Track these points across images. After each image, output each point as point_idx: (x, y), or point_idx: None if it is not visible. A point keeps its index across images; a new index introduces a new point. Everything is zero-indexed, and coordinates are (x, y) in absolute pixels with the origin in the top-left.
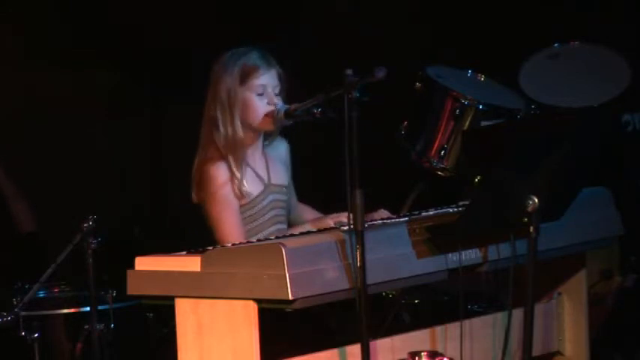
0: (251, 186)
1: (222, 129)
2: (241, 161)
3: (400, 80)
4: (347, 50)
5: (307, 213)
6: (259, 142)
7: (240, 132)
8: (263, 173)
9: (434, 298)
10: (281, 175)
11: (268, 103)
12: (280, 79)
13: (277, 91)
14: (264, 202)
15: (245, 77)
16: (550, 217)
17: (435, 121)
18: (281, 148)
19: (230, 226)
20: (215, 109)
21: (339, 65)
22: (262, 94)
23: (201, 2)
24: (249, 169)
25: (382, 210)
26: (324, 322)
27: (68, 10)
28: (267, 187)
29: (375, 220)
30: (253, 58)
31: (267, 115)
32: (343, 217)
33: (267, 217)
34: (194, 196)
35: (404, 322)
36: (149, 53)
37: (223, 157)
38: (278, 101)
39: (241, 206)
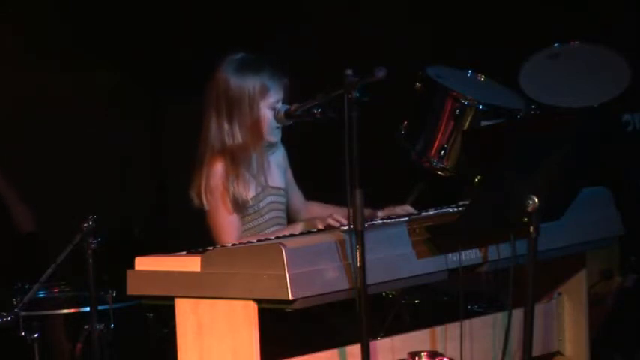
0: (249, 188)
1: (237, 137)
2: (242, 165)
3: (400, 80)
4: (347, 50)
5: (317, 210)
6: (261, 149)
7: (248, 140)
8: (260, 176)
9: (434, 298)
10: (278, 179)
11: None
12: (285, 89)
13: (282, 101)
14: (263, 204)
15: (264, 93)
16: (550, 217)
17: (435, 121)
18: (278, 154)
19: (226, 226)
20: (231, 118)
21: (339, 65)
22: (274, 108)
23: (201, 2)
24: (246, 173)
25: (407, 206)
26: (325, 321)
27: (68, 10)
28: (265, 189)
29: (376, 220)
30: (269, 73)
31: (270, 124)
32: (331, 220)
33: (265, 217)
34: (195, 198)
35: (404, 322)
36: (149, 53)
37: (224, 160)
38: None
39: (240, 207)
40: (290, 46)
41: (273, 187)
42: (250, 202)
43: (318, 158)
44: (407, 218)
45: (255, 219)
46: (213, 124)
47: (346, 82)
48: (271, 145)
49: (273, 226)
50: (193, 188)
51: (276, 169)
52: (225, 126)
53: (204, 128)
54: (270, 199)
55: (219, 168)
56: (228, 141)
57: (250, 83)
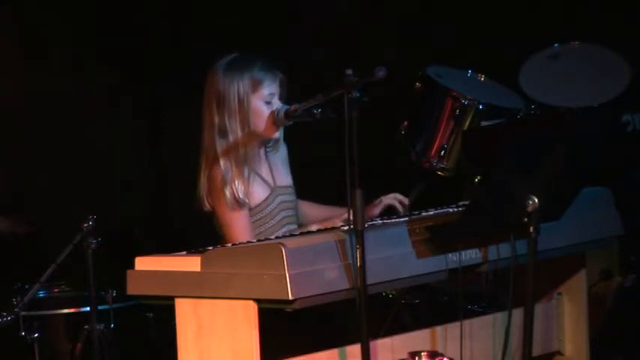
0: (258, 190)
1: (230, 136)
2: (246, 166)
3: (400, 80)
4: (347, 50)
5: (309, 209)
6: (262, 148)
7: (247, 138)
8: (268, 177)
9: (434, 298)
10: (285, 177)
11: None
12: (282, 84)
13: (279, 96)
14: (273, 205)
15: (256, 86)
16: (550, 217)
17: (435, 121)
18: (282, 150)
19: (240, 230)
20: (222, 117)
21: (339, 65)
22: (270, 102)
23: (201, 2)
24: (254, 174)
25: (395, 194)
26: (324, 321)
27: (68, 10)
28: (274, 189)
29: (376, 220)
30: (260, 67)
31: (269, 119)
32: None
33: (277, 219)
34: (206, 204)
35: (404, 322)
36: (149, 53)
37: (229, 162)
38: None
39: (250, 210)
40: (290, 46)
41: (281, 187)
42: (260, 205)
43: (318, 158)
44: (407, 218)
45: (267, 222)
46: (208, 125)
47: (346, 82)
48: (275, 143)
49: (284, 226)
50: (198, 194)
51: (283, 166)
52: (219, 125)
53: (202, 131)
54: (280, 199)
55: (217, 170)
56: (224, 141)
57: (239, 80)
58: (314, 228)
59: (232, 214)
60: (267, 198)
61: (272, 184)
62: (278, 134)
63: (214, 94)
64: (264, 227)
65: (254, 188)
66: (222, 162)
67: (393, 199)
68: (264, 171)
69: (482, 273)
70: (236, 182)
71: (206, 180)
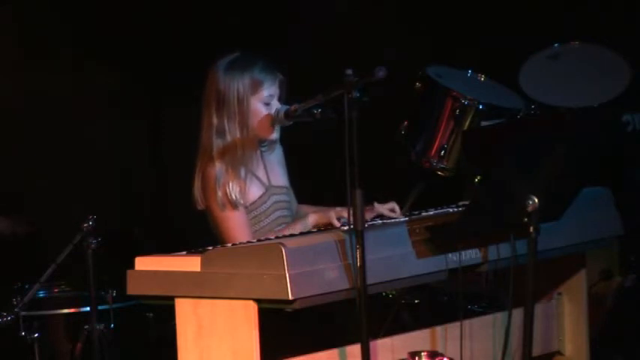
0: (253, 189)
1: (228, 136)
2: (243, 167)
3: (400, 80)
4: (347, 50)
5: (308, 210)
6: (258, 148)
7: (245, 139)
8: (263, 176)
9: (434, 298)
10: (280, 177)
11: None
12: (281, 86)
13: (278, 98)
14: (267, 204)
15: (256, 88)
16: (550, 217)
17: (435, 121)
18: (278, 151)
19: (237, 229)
20: (221, 117)
21: (339, 65)
22: (269, 103)
23: (201, 2)
24: (249, 174)
25: (391, 203)
26: (325, 321)
27: (68, 10)
28: (269, 189)
29: (376, 220)
30: (261, 68)
31: (267, 119)
32: (345, 212)
33: (271, 217)
34: (200, 203)
35: (404, 322)
36: (149, 54)
37: (225, 162)
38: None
39: (245, 208)
40: (289, 46)
41: (276, 187)
42: (255, 204)
43: (318, 158)
44: (407, 218)
45: (261, 220)
46: (206, 124)
47: (346, 82)
48: (271, 144)
49: (279, 225)
50: (194, 193)
51: (278, 167)
52: (217, 125)
53: (200, 129)
54: (274, 198)
55: (211, 169)
56: (221, 141)
57: (240, 80)
58: (310, 219)
59: (224, 214)
60: (261, 196)
61: (267, 184)
62: (276, 135)
63: (214, 93)
64: (258, 226)
65: (249, 187)
66: (218, 162)
67: (385, 209)
68: (260, 171)
69: (482, 273)
70: (230, 183)
71: (200, 179)
